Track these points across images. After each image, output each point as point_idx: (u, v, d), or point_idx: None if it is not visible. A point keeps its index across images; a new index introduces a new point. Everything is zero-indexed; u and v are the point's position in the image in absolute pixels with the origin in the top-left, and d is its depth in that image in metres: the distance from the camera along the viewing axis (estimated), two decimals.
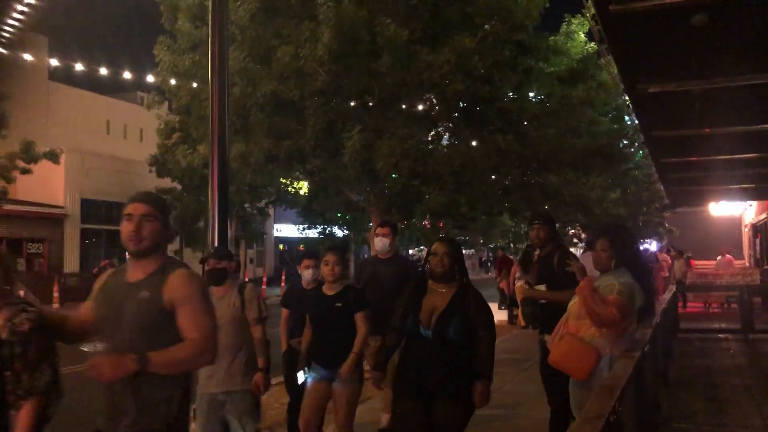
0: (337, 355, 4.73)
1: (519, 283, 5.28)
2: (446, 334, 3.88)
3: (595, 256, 4.36)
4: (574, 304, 4.34)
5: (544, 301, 5.18)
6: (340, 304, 4.69)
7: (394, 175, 9.75)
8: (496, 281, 18.43)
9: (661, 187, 16.92)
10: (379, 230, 5.71)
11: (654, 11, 4.69)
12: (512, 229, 42.27)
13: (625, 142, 16.99)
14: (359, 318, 4.71)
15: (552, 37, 13.31)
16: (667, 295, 11.51)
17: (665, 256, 19.93)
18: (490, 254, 49.01)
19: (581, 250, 21.85)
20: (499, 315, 17.31)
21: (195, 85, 10.00)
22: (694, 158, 10.41)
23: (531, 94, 12.02)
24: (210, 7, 6.86)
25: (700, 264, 22.81)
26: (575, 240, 30.22)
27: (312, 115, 9.08)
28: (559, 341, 4.29)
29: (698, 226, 28.21)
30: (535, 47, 11.64)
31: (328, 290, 4.75)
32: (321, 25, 8.68)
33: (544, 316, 5.18)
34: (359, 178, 9.58)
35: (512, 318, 16.27)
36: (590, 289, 4.10)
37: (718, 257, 19.90)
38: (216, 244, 6.84)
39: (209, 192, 6.90)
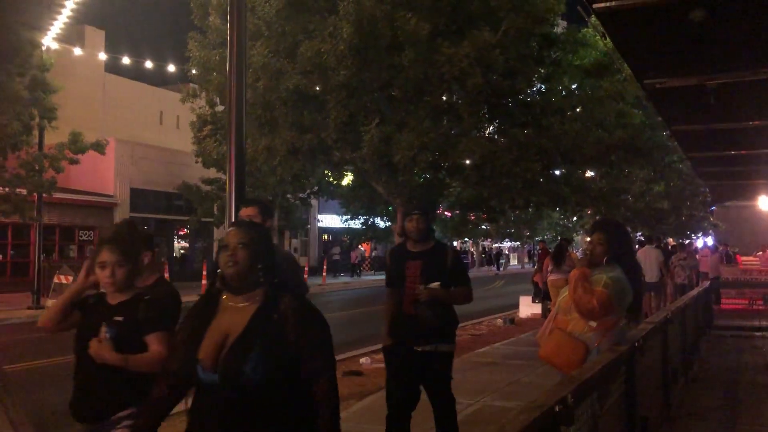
0: (108, 403, 3.15)
1: (421, 286, 4.71)
2: (240, 377, 2.46)
3: (590, 248, 4.43)
4: (564, 299, 4.40)
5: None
6: (120, 319, 3.16)
7: (415, 170, 9.89)
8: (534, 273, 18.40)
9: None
10: (243, 211, 4.43)
11: (644, 8, 4.70)
12: (560, 222, 41.91)
13: (665, 133, 16.71)
14: (154, 340, 3.17)
15: (584, 29, 13.21)
16: (694, 291, 11.36)
17: (706, 251, 19.51)
18: (537, 247, 48.69)
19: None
20: (534, 308, 17.32)
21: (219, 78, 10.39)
22: (732, 152, 10.23)
23: (560, 87, 11.96)
24: (230, 1, 7.09)
25: (747, 260, 22.21)
26: None
27: (333, 108, 9.28)
28: (549, 336, 4.36)
29: (747, 220, 27.39)
30: (562, 40, 11.57)
31: (112, 298, 3.26)
32: (342, 21, 8.85)
33: (441, 320, 4.82)
34: (379, 171, 9.74)
35: (546, 312, 16.23)
36: (581, 277, 4.18)
37: (759, 253, 19.44)
38: None
39: (227, 184, 7.13)
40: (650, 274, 13.30)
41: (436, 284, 4.70)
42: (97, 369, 3.08)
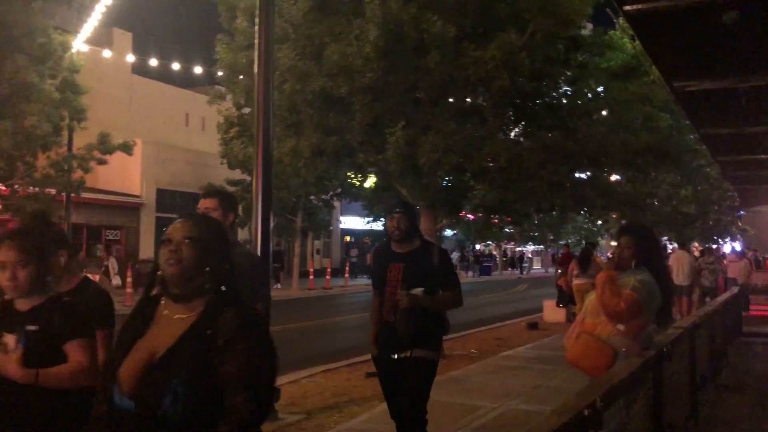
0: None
1: (402, 292, 4.23)
2: (159, 407, 1.93)
3: (618, 252, 4.41)
4: (591, 301, 4.39)
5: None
6: (34, 327, 2.65)
7: (440, 172, 9.91)
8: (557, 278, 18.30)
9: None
10: (201, 202, 3.98)
11: (676, 10, 4.66)
12: (585, 226, 41.55)
13: (692, 137, 16.53)
14: (74, 348, 2.65)
15: (611, 32, 13.11)
16: (723, 297, 11.21)
17: (733, 256, 19.25)
18: (560, 251, 47.97)
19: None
20: (558, 312, 17.23)
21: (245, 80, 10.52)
22: (762, 156, 10.09)
23: (586, 90, 11.90)
24: (258, 4, 7.19)
25: None
26: None
27: (359, 111, 9.33)
28: (576, 340, 4.34)
29: None
30: (588, 42, 11.51)
31: (22, 304, 2.74)
32: (368, 23, 8.89)
33: (421, 328, 4.29)
34: (403, 174, 9.77)
35: (570, 316, 16.17)
36: (608, 280, 4.16)
37: None
38: (260, 238, 7.14)
39: (253, 186, 7.20)
40: (682, 277, 14.25)
41: (418, 290, 4.20)
42: (9, 390, 2.56)
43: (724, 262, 17.84)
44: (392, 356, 4.34)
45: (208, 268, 2.08)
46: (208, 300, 2.08)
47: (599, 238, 40.21)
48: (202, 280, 2.08)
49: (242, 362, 1.96)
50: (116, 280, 21.92)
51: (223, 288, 2.11)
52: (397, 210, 4.42)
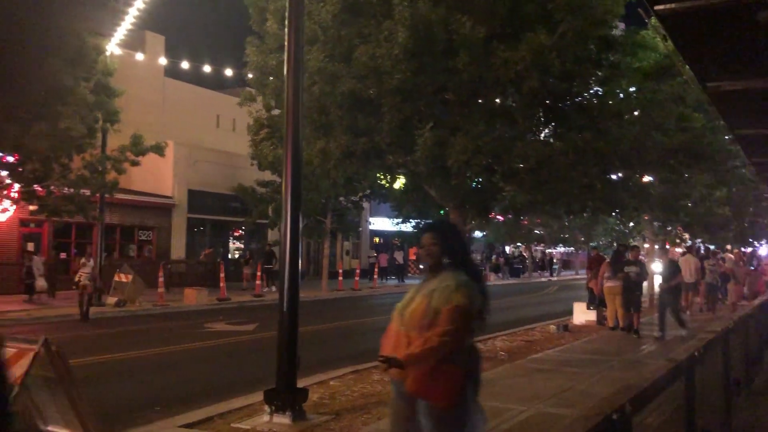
0: None
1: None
2: None
3: (425, 251, 3.72)
4: (412, 314, 3.60)
5: None
6: None
7: (469, 173, 9.88)
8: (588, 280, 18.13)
9: None
10: None
11: (708, 10, 4.57)
12: (616, 228, 40.91)
13: (727, 137, 16.25)
14: None
15: (643, 32, 12.94)
16: (758, 301, 10.97)
17: None
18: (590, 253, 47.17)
19: (682, 251, 21.07)
20: (588, 315, 17.07)
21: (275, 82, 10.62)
22: None
23: (618, 90, 11.75)
24: (287, 7, 7.25)
25: None
26: (677, 240, 28.95)
27: (388, 112, 9.34)
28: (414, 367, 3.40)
29: None
30: (620, 42, 11.36)
31: None
32: (397, 25, 8.90)
33: None
34: (432, 175, 9.76)
35: (601, 318, 16.03)
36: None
37: None
38: (289, 238, 7.20)
39: (283, 187, 7.26)
40: (690, 276, 17.49)
41: None
42: None
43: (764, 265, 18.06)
44: None
45: None
46: None
47: (631, 240, 39.62)
48: None
49: None
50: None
51: None
52: None
